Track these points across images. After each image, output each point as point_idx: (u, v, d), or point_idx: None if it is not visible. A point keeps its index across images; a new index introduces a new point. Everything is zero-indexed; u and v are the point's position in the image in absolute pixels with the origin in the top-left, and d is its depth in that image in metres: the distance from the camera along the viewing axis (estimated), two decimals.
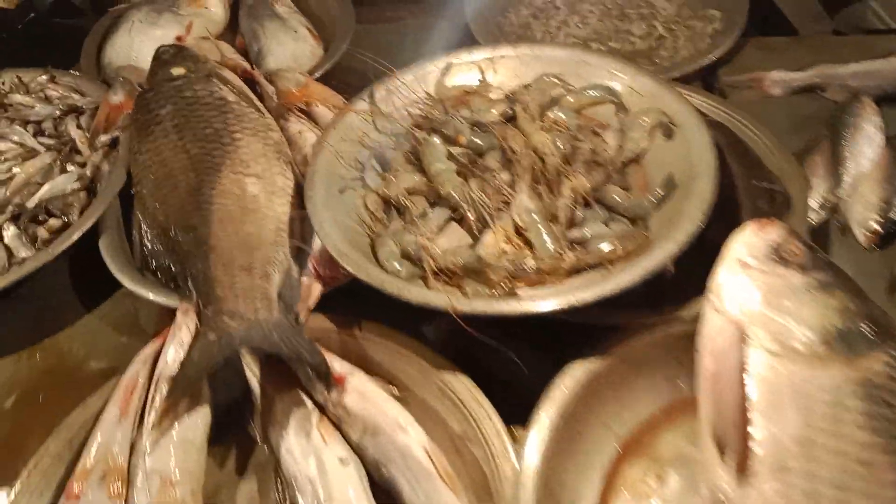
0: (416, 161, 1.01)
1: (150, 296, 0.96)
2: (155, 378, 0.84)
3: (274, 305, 0.88)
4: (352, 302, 0.91)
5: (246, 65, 1.29)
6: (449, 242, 0.93)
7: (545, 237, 0.87)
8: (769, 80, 1.21)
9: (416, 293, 0.82)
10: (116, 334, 1.01)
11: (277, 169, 1.03)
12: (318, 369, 0.82)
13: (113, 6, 1.86)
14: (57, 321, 1.03)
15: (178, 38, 1.39)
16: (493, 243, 0.88)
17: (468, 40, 1.38)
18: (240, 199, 0.99)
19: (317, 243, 0.96)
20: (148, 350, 0.87)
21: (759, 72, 1.23)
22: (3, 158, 1.12)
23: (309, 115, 1.18)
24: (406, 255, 0.90)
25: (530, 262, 0.86)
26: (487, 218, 0.90)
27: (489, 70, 1.11)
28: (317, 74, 1.28)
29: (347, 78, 1.33)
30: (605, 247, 0.86)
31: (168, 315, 0.98)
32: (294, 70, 1.25)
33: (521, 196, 0.90)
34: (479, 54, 1.12)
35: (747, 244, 0.76)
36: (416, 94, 1.09)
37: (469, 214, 0.92)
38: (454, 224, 0.95)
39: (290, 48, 1.37)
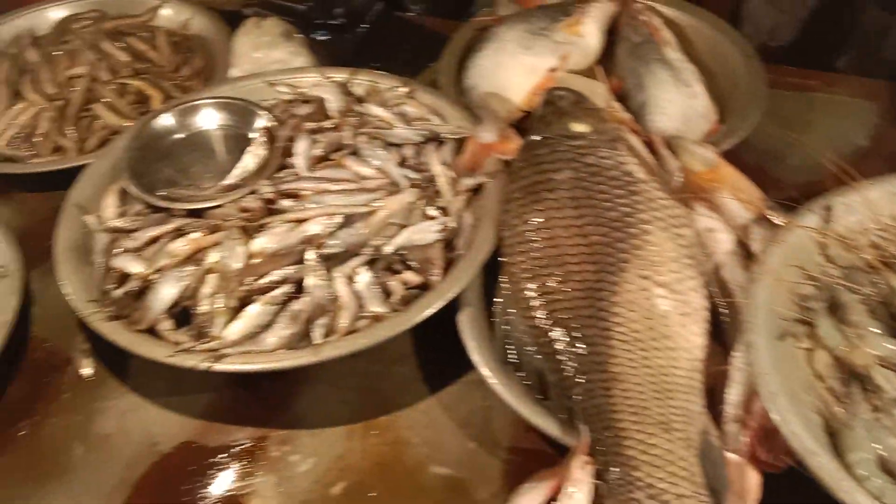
0: (889, 318, 0.77)
1: (529, 415, 0.78)
2: None
3: (703, 492, 0.67)
4: None
5: (634, 124, 1.09)
6: None
7: None
8: None
9: None
10: (463, 436, 0.85)
11: (692, 282, 0.83)
12: None
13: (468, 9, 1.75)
14: (395, 396, 0.89)
15: (552, 70, 1.21)
16: None
17: None
18: (647, 317, 0.79)
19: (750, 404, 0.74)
20: (531, 501, 0.69)
21: None
22: (365, 187, 0.99)
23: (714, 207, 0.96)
24: (884, 467, 0.67)
25: None
26: None
27: None
28: (720, 149, 1.05)
29: (746, 157, 1.10)
30: None
31: (530, 431, 0.81)
32: (699, 142, 1.03)
33: None
34: None
35: None
36: (884, 218, 0.85)
37: None
38: None
39: (681, 107, 1.15)
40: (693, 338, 0.79)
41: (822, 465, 0.64)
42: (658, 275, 0.82)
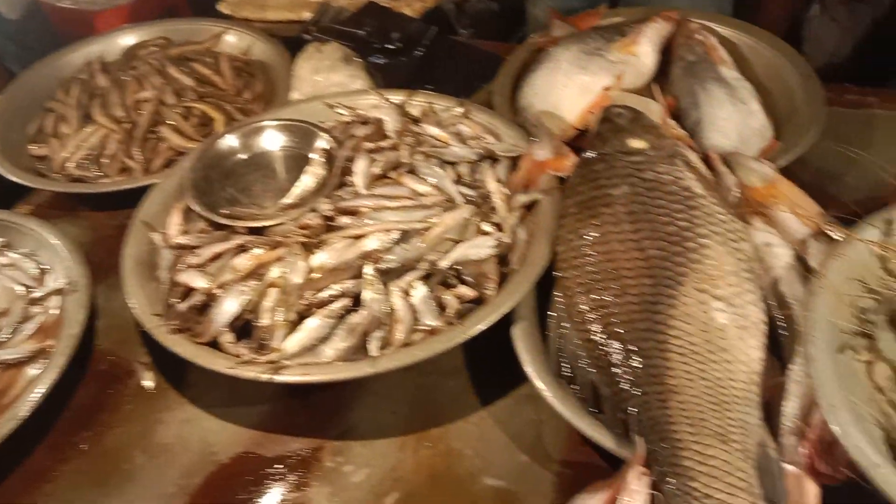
0: None
1: (584, 427, 0.78)
2: None
3: (760, 502, 0.66)
4: None
5: (689, 139, 1.09)
6: None
7: None
8: None
9: None
10: (515, 448, 0.85)
11: (750, 296, 0.82)
12: None
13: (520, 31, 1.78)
14: (447, 409, 0.89)
15: (606, 89, 1.22)
16: None
17: None
18: (705, 329, 0.79)
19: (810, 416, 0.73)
20: None
21: None
22: (422, 203, 1.00)
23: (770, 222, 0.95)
24: None
25: None
26: None
27: None
28: (777, 166, 1.04)
29: (804, 174, 1.08)
30: None
31: (583, 444, 0.81)
32: (756, 158, 1.02)
33: None
34: None
35: None
36: None
37: None
38: None
39: (737, 125, 1.14)
40: (751, 351, 0.78)
41: (886, 476, 0.62)
42: (716, 288, 0.81)
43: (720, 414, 0.71)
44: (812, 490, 0.69)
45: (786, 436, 0.73)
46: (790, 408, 0.75)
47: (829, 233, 0.90)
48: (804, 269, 0.87)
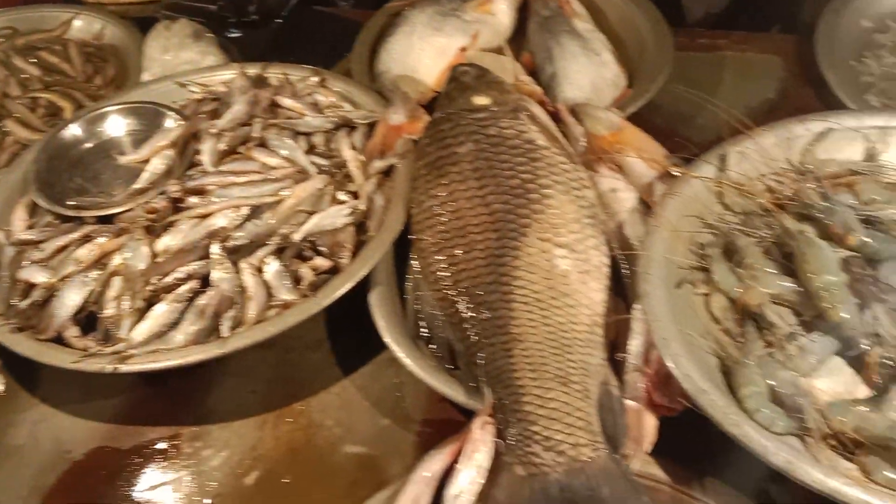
0: (782, 258, 0.77)
1: (437, 385, 0.78)
2: None
3: (599, 439, 0.67)
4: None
5: (542, 95, 1.10)
6: (831, 385, 0.69)
7: None
8: None
9: (819, 479, 0.58)
10: (376, 413, 0.85)
11: (592, 241, 0.83)
12: None
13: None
14: (307, 382, 0.88)
15: (462, 49, 1.21)
16: None
17: (813, 89, 1.11)
18: (547, 277, 0.79)
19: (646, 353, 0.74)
20: (434, 466, 0.69)
21: None
22: (273, 177, 0.98)
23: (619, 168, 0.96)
24: (775, 399, 0.67)
25: None
26: None
27: (880, 144, 0.85)
28: (626, 113, 1.05)
29: (655, 119, 1.10)
30: None
31: (442, 402, 0.81)
32: (604, 107, 1.03)
33: None
34: (868, 120, 0.86)
35: None
36: (779, 163, 0.85)
37: (871, 356, 0.67)
38: (837, 359, 0.71)
39: (590, 76, 1.15)
40: (593, 294, 0.79)
41: (713, 401, 0.64)
42: (558, 236, 0.82)
43: (561, 357, 0.72)
44: (650, 422, 0.70)
45: (629, 373, 0.74)
46: (634, 345, 0.76)
47: (673, 174, 0.91)
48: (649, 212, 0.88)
